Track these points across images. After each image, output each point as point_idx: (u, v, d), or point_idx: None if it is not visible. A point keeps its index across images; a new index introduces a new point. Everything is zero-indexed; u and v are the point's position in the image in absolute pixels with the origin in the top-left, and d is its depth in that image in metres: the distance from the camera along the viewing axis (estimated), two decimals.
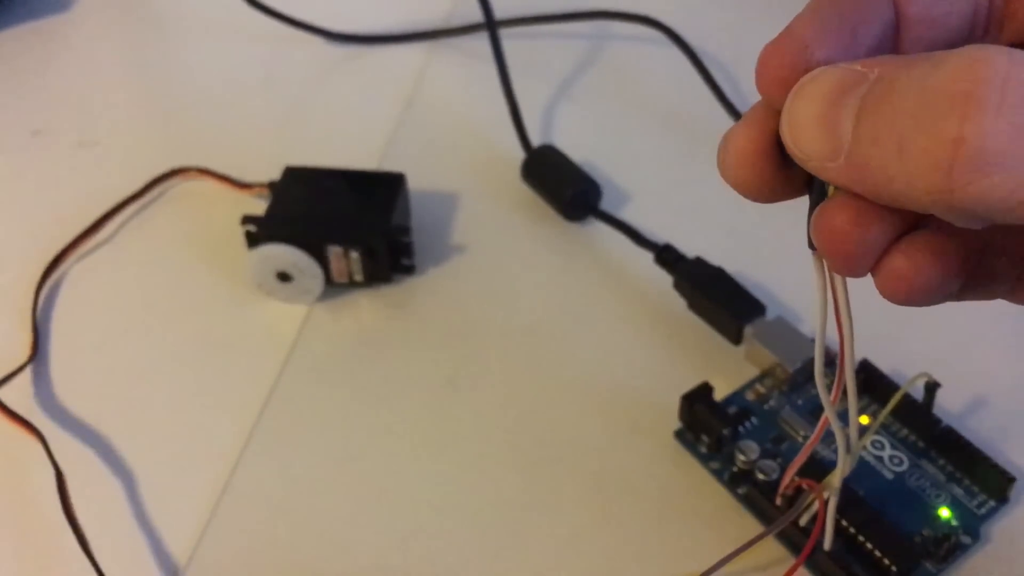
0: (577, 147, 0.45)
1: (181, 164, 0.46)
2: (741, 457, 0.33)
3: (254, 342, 0.39)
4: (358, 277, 0.40)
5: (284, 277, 0.39)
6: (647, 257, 0.40)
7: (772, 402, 0.35)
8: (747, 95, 0.48)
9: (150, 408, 0.37)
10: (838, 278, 0.22)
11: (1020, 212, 0.17)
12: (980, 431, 0.34)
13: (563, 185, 0.43)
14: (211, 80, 0.53)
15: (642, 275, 0.40)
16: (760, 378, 0.36)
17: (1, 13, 0.56)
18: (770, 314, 0.37)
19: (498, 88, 0.46)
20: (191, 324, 0.40)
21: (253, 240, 0.39)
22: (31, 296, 0.40)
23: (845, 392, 0.25)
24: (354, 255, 0.39)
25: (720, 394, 0.35)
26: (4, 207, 0.46)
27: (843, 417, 0.25)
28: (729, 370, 0.37)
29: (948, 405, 0.35)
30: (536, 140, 0.46)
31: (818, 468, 0.30)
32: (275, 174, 0.42)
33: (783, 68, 0.20)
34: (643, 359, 0.38)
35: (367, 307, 0.40)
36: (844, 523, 0.30)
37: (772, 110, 0.20)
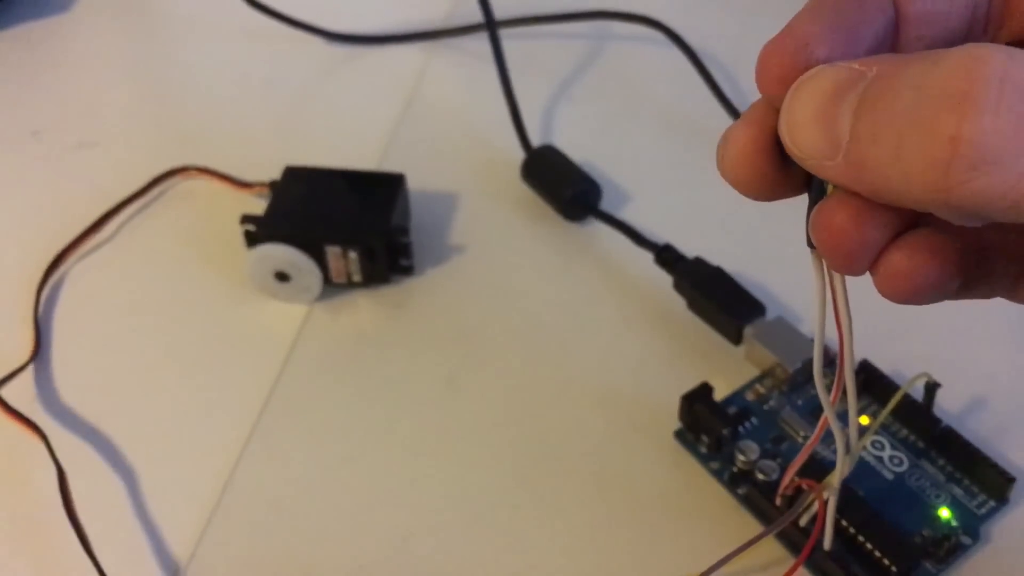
0: (577, 147, 0.45)
1: (181, 163, 0.46)
2: (741, 457, 0.33)
3: (254, 341, 0.39)
4: (356, 277, 0.40)
5: (282, 277, 0.39)
6: (647, 257, 0.40)
7: (772, 402, 0.35)
8: (747, 95, 0.48)
9: (151, 407, 0.37)
10: (837, 277, 0.22)
11: (1017, 210, 0.17)
12: (980, 431, 0.34)
13: (563, 185, 0.43)
14: (211, 80, 0.53)
15: (642, 275, 0.40)
16: (760, 378, 0.36)
17: (1, 13, 0.56)
18: (770, 314, 0.37)
19: (498, 88, 0.46)
20: (191, 323, 0.40)
21: (252, 239, 0.39)
22: (32, 295, 0.40)
23: (845, 392, 0.25)
24: (353, 255, 0.39)
25: (720, 394, 0.35)
26: (5, 207, 0.46)
27: (843, 417, 0.25)
28: (729, 370, 0.37)
29: (948, 405, 0.35)
30: (536, 140, 0.46)
31: (818, 468, 0.30)
32: (275, 174, 0.42)
33: (783, 67, 0.20)
34: (643, 359, 0.38)
35: (366, 307, 0.40)
36: (844, 523, 0.30)
37: (772, 108, 0.20)
